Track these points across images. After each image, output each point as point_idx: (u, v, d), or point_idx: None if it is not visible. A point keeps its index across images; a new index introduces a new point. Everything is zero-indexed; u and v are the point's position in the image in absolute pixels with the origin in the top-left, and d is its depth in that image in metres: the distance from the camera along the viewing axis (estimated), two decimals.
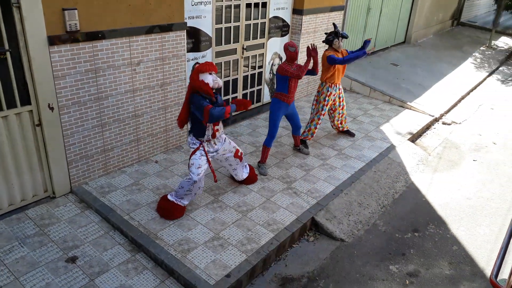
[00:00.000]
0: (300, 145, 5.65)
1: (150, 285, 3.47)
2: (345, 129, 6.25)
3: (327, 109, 5.74)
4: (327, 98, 5.64)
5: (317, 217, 4.47)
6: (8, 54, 3.59)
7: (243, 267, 3.68)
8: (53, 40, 3.74)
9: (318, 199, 4.72)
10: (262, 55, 6.69)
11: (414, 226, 4.61)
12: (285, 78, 4.79)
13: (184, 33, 4.95)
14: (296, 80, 4.83)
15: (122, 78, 4.47)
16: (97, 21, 4.04)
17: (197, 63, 5.49)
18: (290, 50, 4.74)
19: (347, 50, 5.68)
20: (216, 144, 4.12)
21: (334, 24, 5.57)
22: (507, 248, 2.20)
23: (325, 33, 5.57)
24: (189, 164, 4.03)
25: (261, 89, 6.96)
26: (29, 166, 4.03)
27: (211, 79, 3.76)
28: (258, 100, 7.02)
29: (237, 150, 4.39)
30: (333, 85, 5.62)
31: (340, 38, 5.42)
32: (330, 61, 5.29)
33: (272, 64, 7.01)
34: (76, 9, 3.82)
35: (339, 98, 5.87)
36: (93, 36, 4.04)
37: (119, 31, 4.24)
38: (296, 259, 4.06)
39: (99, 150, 4.54)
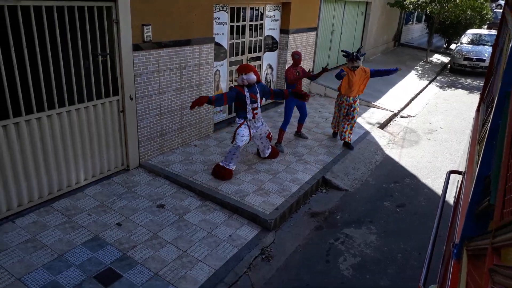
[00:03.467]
0: (301, 132, 7.22)
1: (222, 219, 4.80)
2: (345, 139, 6.88)
3: (339, 114, 6.90)
4: (337, 104, 6.91)
5: (326, 176, 6.01)
6: (108, 57, 4.89)
7: (284, 204, 5.11)
8: (136, 47, 5.09)
9: (323, 165, 6.27)
10: (259, 65, 8.28)
11: (395, 180, 6.28)
12: (294, 85, 6.38)
13: (213, 45, 6.43)
14: (300, 82, 6.45)
15: (174, 78, 5.84)
16: (161, 34, 5.43)
17: (217, 70, 6.97)
18: (296, 57, 6.36)
19: (371, 69, 6.64)
20: (256, 123, 5.58)
21: (344, 50, 6.70)
22: (432, 256, 2.33)
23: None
24: (234, 135, 5.44)
25: None
26: (114, 143, 5.25)
27: (240, 79, 5.30)
28: None
29: (269, 133, 5.87)
30: (345, 96, 6.70)
31: (353, 59, 6.40)
32: (336, 76, 6.28)
33: (266, 74, 8.61)
34: (150, 24, 5.21)
35: (351, 108, 6.72)
36: (159, 45, 5.42)
37: (174, 42, 5.65)
38: (317, 203, 5.55)
39: (158, 134, 5.82)
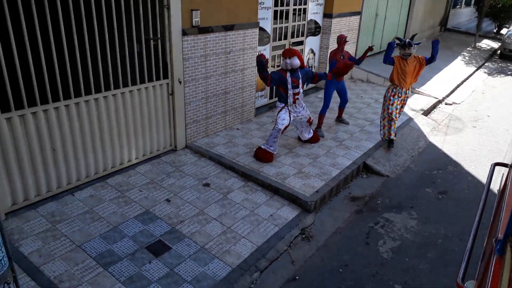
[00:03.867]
0: (342, 118, 7.24)
1: (264, 199, 4.97)
2: (385, 135, 6.36)
3: (392, 108, 6.14)
4: (389, 97, 6.17)
5: (367, 161, 6.04)
6: (159, 41, 5.12)
7: (325, 187, 5.21)
8: (184, 32, 5.29)
9: (364, 150, 6.29)
10: (302, 50, 8.31)
11: (438, 167, 6.22)
12: (334, 62, 6.40)
13: (257, 30, 6.54)
14: (343, 63, 6.43)
15: (220, 63, 6.02)
16: (208, 19, 5.60)
17: (261, 55, 7.08)
18: (342, 40, 6.35)
19: (425, 57, 6.08)
20: (297, 108, 5.67)
21: (398, 37, 6.24)
22: (472, 251, 2.26)
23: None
24: (276, 118, 5.57)
25: None
26: (163, 125, 5.52)
27: (283, 63, 5.37)
28: None
29: (310, 118, 5.95)
30: (398, 87, 6.11)
31: (404, 46, 5.92)
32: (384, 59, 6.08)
33: (308, 59, 8.63)
34: (199, 10, 5.38)
35: (403, 101, 6.23)
36: (206, 30, 5.60)
37: (220, 27, 5.80)
38: (358, 187, 5.61)
39: (204, 117, 6.05)
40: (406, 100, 6.31)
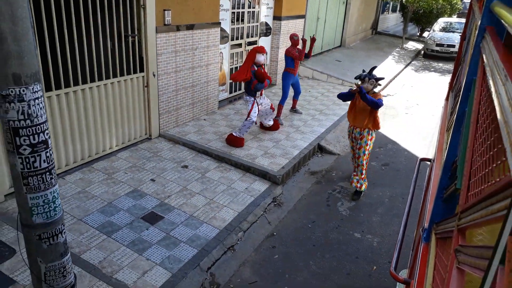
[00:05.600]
0: (296, 108, 8.09)
1: (237, 176, 5.65)
2: (357, 188, 5.42)
3: (352, 148, 5.50)
4: (348, 136, 5.58)
5: (321, 143, 6.93)
6: (136, 38, 5.63)
7: (289, 164, 5.99)
8: (158, 29, 5.83)
9: (318, 134, 7.19)
10: None
11: (379, 145, 7.26)
12: (291, 58, 7.23)
13: (219, 29, 7.21)
14: (298, 59, 7.30)
15: (187, 58, 6.60)
16: (178, 19, 6.18)
17: (221, 52, 7.75)
18: (294, 39, 7.21)
19: (379, 100, 5.02)
20: (261, 99, 6.41)
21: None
22: (403, 242, 2.38)
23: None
24: (249, 111, 6.24)
25: None
26: (139, 115, 6.00)
27: (262, 58, 6.10)
28: None
29: (272, 104, 6.71)
30: (351, 127, 5.38)
31: (361, 78, 5.18)
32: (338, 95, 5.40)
33: None
34: (170, 10, 5.95)
35: (357, 144, 5.32)
36: (176, 28, 6.17)
37: (188, 25, 6.41)
38: (315, 164, 6.46)
39: (174, 108, 6.60)
40: (365, 145, 5.23)
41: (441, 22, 17.41)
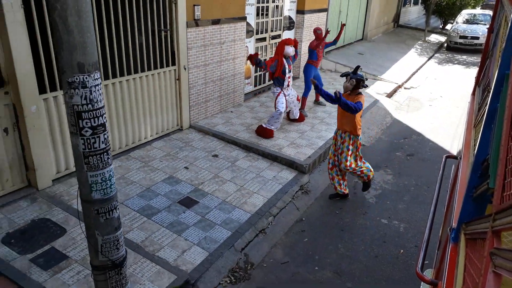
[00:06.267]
0: (319, 101, 8.25)
1: (265, 165, 5.85)
2: (336, 189, 5.18)
3: (332, 151, 5.17)
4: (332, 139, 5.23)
5: None
6: (168, 32, 5.88)
7: (315, 154, 6.17)
8: (188, 24, 6.07)
9: None
10: None
11: (404, 136, 7.36)
12: (314, 50, 7.39)
13: (245, 24, 7.41)
14: (321, 51, 7.44)
15: (215, 52, 6.83)
16: (207, 13, 6.41)
17: (246, 46, 7.94)
18: (318, 32, 7.36)
19: (358, 104, 4.58)
20: (288, 91, 6.59)
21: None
22: (429, 241, 2.31)
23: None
24: (275, 103, 6.43)
25: None
26: (171, 106, 6.27)
27: (290, 50, 6.28)
28: None
29: (298, 96, 6.89)
30: (336, 128, 5.11)
31: (346, 76, 4.81)
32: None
33: None
34: (200, 5, 6.19)
35: (338, 148, 5.07)
36: (205, 23, 6.40)
37: (216, 20, 6.63)
38: None
39: (203, 100, 6.84)
40: (346, 150, 4.95)
41: (465, 14, 17.20)
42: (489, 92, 1.83)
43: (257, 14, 8.15)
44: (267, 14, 8.49)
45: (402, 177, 5.93)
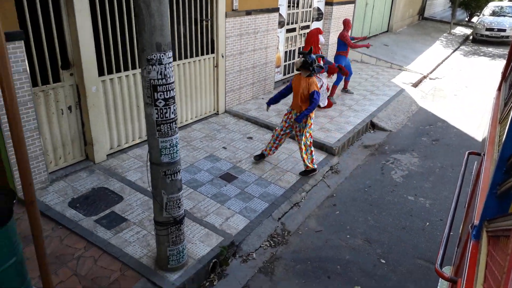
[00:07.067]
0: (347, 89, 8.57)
1: (296, 148, 6.23)
2: (308, 167, 5.37)
3: (281, 127, 5.38)
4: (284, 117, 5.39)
5: (373, 120, 7.39)
6: (209, 22, 6.31)
7: (343, 138, 6.52)
8: (227, 14, 6.48)
9: (369, 112, 7.64)
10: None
11: (429, 123, 7.63)
12: (343, 42, 7.71)
13: (277, 14, 7.78)
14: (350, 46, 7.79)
15: (250, 41, 7.23)
16: (243, 5, 6.80)
17: (277, 36, 8.32)
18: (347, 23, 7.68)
19: (315, 94, 5.02)
20: (321, 79, 6.96)
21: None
22: (449, 238, 2.28)
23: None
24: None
25: None
26: (209, 92, 6.71)
27: (323, 39, 6.65)
28: None
29: (328, 85, 7.25)
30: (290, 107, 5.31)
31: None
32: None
33: None
34: None
35: (290, 124, 5.32)
36: (241, 13, 6.80)
37: (251, 11, 7.02)
38: (368, 139, 6.95)
39: (238, 87, 7.26)
40: (303, 127, 5.19)
41: (492, 6, 17.10)
42: None
43: (288, 5, 8.50)
44: (297, 5, 8.83)
45: (428, 160, 6.23)
